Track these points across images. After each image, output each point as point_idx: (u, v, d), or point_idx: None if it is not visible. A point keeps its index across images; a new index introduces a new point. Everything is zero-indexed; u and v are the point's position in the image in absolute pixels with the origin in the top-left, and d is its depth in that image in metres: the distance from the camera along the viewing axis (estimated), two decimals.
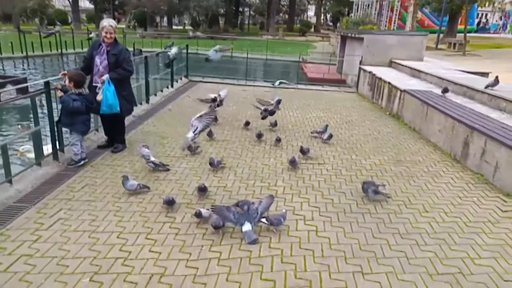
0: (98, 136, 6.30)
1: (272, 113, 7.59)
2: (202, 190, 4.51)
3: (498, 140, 5.16)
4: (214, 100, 8.05)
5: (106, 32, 5.38)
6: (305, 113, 9.13)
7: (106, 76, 5.32)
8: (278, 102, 7.72)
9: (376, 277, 3.24)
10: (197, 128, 5.56)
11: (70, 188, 4.57)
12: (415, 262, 3.48)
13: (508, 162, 4.94)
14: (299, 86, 13.36)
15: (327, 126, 7.25)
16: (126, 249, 3.46)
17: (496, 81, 7.65)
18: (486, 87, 7.69)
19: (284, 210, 4.06)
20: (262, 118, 7.70)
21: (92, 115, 5.74)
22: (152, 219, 3.99)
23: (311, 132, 7.33)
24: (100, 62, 5.46)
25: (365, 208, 4.46)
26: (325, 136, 6.78)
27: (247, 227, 3.72)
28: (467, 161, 5.89)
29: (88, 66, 5.54)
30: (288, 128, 7.76)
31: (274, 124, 7.60)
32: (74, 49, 24.13)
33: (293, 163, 5.46)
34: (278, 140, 6.52)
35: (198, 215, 3.89)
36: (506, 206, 4.63)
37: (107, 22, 5.47)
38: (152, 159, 5.18)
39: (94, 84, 5.50)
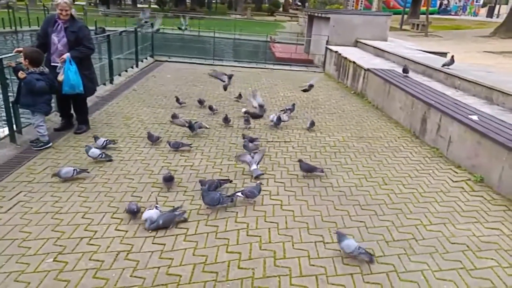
0: (57, 116, 6.13)
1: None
2: (168, 180, 4.22)
3: (451, 116, 5.44)
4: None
5: (61, 10, 5.17)
6: (273, 93, 9.22)
7: (67, 55, 5.16)
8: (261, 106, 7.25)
9: (337, 246, 3.38)
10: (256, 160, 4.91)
11: (30, 170, 4.47)
12: (373, 230, 3.68)
13: (460, 136, 5.24)
14: (267, 66, 13.41)
15: (294, 105, 7.37)
16: (92, 229, 3.47)
17: (452, 60, 7.98)
18: (443, 65, 8.02)
19: (258, 182, 4.23)
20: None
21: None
22: (118, 199, 4.00)
23: (281, 111, 7.27)
24: (58, 40, 5.28)
25: (327, 182, 4.63)
26: (308, 124, 6.58)
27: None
28: (425, 137, 6.17)
29: (43, 44, 5.31)
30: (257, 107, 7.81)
31: (239, 97, 7.90)
32: (29, 26, 22.92)
33: (246, 147, 5.35)
34: (247, 120, 6.54)
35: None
36: (457, 177, 4.93)
37: None
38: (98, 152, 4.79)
39: (52, 63, 5.31)
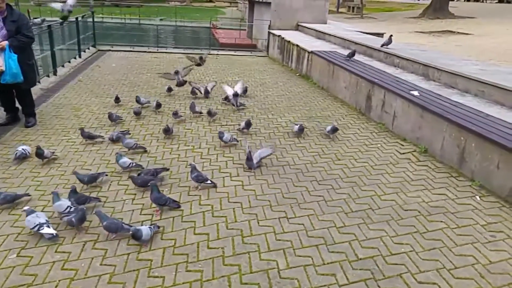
0: (1, 111, 5.76)
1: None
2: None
3: (394, 92, 5.81)
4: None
5: None
6: (220, 78, 9.23)
7: (5, 43, 4.84)
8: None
9: (299, 220, 3.58)
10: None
11: None
12: (332, 203, 3.89)
13: (403, 111, 5.62)
14: (212, 51, 13.32)
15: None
16: (55, 222, 3.36)
17: (390, 40, 8.42)
18: (382, 45, 8.43)
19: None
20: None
21: None
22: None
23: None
24: None
25: (284, 161, 4.80)
26: (296, 129, 5.69)
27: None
28: (371, 113, 6.54)
29: None
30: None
31: (193, 93, 7.62)
32: None
33: (167, 132, 5.31)
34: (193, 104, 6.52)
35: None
36: (403, 149, 5.30)
37: None
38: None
39: None
